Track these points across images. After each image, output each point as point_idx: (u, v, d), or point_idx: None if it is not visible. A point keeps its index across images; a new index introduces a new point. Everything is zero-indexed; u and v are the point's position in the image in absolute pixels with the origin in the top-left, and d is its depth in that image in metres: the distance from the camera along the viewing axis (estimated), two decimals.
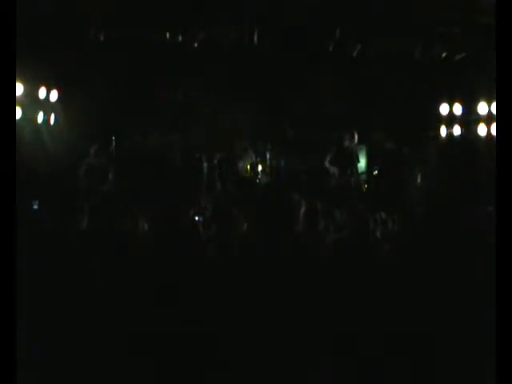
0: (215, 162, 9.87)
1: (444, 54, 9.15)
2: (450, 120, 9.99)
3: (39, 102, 8.62)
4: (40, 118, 8.69)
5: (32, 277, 3.14)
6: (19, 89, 7.81)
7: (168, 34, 8.54)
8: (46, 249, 3.58)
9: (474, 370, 2.29)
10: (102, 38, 8.44)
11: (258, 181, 9.67)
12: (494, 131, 9.04)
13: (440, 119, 10.10)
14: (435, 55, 9.12)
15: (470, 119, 9.75)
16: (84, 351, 3.31)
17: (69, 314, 3.29)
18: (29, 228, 3.76)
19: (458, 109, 9.85)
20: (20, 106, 8.00)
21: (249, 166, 9.80)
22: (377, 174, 10.17)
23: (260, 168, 9.82)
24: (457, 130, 9.89)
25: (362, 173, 10.17)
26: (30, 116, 8.44)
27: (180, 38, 8.59)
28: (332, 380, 3.12)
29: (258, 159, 9.94)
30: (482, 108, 9.23)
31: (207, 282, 3.49)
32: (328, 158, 9.62)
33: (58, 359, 3.26)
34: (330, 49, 8.88)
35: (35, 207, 5.15)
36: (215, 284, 3.36)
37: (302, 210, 5.02)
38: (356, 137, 9.70)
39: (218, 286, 3.32)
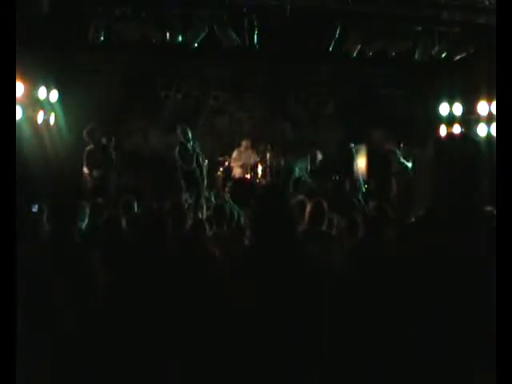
0: (216, 162, 9.89)
1: (444, 54, 9.14)
2: (450, 120, 10.00)
3: (39, 102, 8.63)
4: (40, 117, 8.70)
5: (32, 279, 3.14)
6: (19, 89, 7.81)
7: (168, 34, 8.52)
8: (46, 250, 3.58)
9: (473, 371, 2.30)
10: (101, 38, 8.43)
11: (257, 181, 9.68)
12: (493, 131, 9.05)
13: (440, 119, 10.11)
14: (435, 55, 9.11)
15: (469, 119, 9.76)
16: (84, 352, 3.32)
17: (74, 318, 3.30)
18: (29, 229, 3.76)
19: (457, 109, 9.87)
20: (20, 105, 8.00)
21: (249, 167, 9.81)
22: (376, 175, 10.19)
23: (260, 168, 9.84)
24: (457, 130, 9.90)
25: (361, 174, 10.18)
26: (30, 116, 8.45)
27: (180, 38, 8.57)
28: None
29: (258, 159, 9.95)
30: (482, 108, 9.24)
31: (208, 282, 3.50)
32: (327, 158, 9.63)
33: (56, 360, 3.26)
34: (330, 49, 8.87)
35: (34, 210, 5.14)
36: (216, 283, 3.37)
37: (306, 210, 5.04)
38: (355, 137, 9.73)
39: (219, 285, 3.32)
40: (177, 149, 9.15)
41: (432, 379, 2.28)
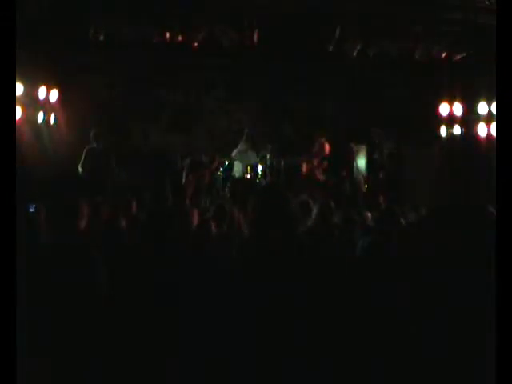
0: (216, 162, 9.88)
1: (444, 54, 9.13)
2: (450, 120, 9.99)
3: (39, 102, 8.63)
4: (40, 117, 8.70)
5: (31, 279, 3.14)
6: (19, 89, 7.81)
7: (168, 34, 8.51)
8: (46, 250, 3.57)
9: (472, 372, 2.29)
10: (101, 38, 8.43)
11: (257, 181, 9.68)
12: (493, 131, 9.04)
13: (440, 119, 10.10)
14: (435, 55, 9.10)
15: (470, 119, 9.75)
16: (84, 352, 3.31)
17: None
18: (29, 229, 3.76)
19: (458, 109, 9.86)
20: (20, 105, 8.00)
21: (249, 167, 9.80)
22: (377, 174, 10.18)
23: (260, 168, 9.83)
24: (457, 130, 9.88)
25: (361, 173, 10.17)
26: (30, 116, 8.45)
27: (180, 38, 8.57)
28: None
29: (258, 159, 9.95)
30: (482, 108, 9.22)
31: (207, 282, 3.49)
32: (327, 158, 9.62)
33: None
34: (330, 49, 8.86)
35: (32, 210, 5.14)
36: (215, 283, 3.36)
37: (311, 209, 5.04)
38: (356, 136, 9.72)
39: (218, 284, 3.32)
40: (177, 148, 9.16)
41: (432, 379, 2.28)
